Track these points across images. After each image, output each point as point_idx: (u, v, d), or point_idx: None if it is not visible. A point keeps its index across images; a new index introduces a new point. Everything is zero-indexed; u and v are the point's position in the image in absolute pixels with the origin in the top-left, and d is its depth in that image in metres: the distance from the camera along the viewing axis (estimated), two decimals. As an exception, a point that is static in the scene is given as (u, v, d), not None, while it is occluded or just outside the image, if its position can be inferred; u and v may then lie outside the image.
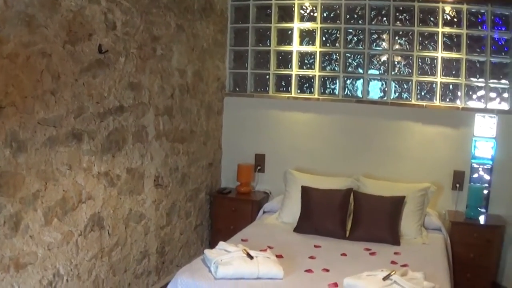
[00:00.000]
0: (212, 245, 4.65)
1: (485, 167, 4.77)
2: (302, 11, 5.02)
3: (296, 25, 5.02)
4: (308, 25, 5.01)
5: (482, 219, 4.58)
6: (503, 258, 4.62)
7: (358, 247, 3.95)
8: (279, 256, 3.47)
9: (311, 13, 4.98)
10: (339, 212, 4.31)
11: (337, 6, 4.91)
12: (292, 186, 4.69)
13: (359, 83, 5.02)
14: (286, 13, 5.10)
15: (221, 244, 3.48)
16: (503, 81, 4.74)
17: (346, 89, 5.05)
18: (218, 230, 5.02)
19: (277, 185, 5.07)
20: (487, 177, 4.77)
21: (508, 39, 4.72)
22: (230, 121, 5.36)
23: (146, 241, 4.06)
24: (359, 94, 5.03)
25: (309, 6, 4.99)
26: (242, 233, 4.17)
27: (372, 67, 4.99)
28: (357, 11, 4.90)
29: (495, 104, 4.75)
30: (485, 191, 4.72)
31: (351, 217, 4.38)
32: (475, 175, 4.79)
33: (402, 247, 4.01)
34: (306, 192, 4.46)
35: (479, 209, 4.61)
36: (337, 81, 5.00)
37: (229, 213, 4.99)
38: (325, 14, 4.96)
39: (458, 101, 4.81)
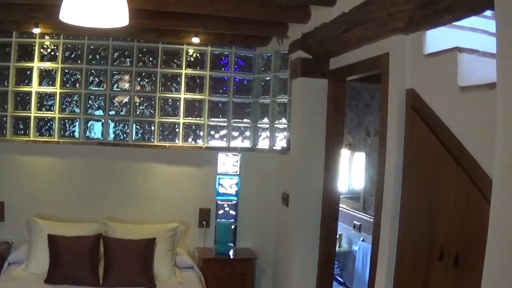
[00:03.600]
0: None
1: (231, 203, 6.24)
2: (42, 50, 5.84)
3: (36, 65, 5.82)
4: (48, 65, 5.85)
5: (231, 253, 5.96)
6: (257, 289, 6.03)
7: (113, 294, 4.83)
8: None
9: (52, 53, 5.86)
10: (89, 259, 5.10)
11: (80, 46, 5.89)
12: (37, 234, 5.25)
13: (100, 125, 5.98)
14: (26, 52, 5.82)
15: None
16: (245, 120, 6.28)
17: (87, 131, 5.96)
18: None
19: (19, 234, 5.56)
20: (233, 212, 6.23)
21: (251, 80, 6.32)
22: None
23: None
24: (100, 136, 5.98)
25: (50, 45, 5.85)
26: (-13, 291, 4.65)
27: (113, 108, 6.02)
28: (99, 51, 5.95)
29: (238, 142, 6.27)
30: (232, 226, 6.17)
31: (103, 263, 5.19)
32: (221, 212, 6.21)
33: (159, 289, 5.05)
34: (53, 240, 5.10)
35: (228, 244, 5.99)
36: (78, 123, 5.91)
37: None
38: (66, 54, 5.89)
39: (200, 141, 6.18)
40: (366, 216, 7.32)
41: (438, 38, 3.37)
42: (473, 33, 3.49)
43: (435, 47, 3.33)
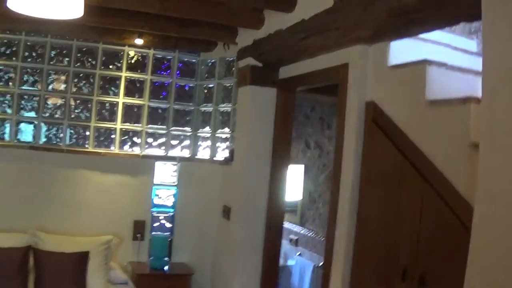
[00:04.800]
0: None
1: (167, 215, 6.02)
2: (-25, 45, 5.43)
3: (-32, 61, 5.39)
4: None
5: (167, 268, 5.74)
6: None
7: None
8: None
9: (-14, 48, 5.45)
10: (18, 273, 4.82)
11: (16, 42, 5.56)
12: (-39, 245, 4.89)
13: (32, 127, 5.67)
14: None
15: None
16: (185, 128, 6.13)
17: (19, 133, 5.65)
18: None
19: None
20: (169, 225, 6.01)
21: (193, 87, 6.18)
22: None
23: None
24: (32, 139, 5.65)
25: (-16, 40, 5.45)
26: None
27: (47, 110, 5.71)
28: (36, 48, 5.64)
29: (177, 151, 6.10)
30: (168, 240, 5.94)
31: (33, 277, 4.91)
32: (156, 224, 5.98)
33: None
34: (-21, 252, 4.76)
35: (164, 258, 5.77)
36: (8, 124, 5.56)
37: None
38: (1, 50, 5.53)
39: (138, 149, 5.96)
40: (304, 230, 7.26)
41: (400, 50, 3.34)
42: (436, 46, 3.50)
43: (397, 59, 3.29)
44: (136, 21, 5.01)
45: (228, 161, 5.57)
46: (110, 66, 5.94)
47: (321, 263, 6.58)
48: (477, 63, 3.52)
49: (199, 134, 6.20)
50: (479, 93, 2.95)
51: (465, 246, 2.44)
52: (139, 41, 5.56)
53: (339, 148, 3.66)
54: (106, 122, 5.91)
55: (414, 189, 2.93)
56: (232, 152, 5.50)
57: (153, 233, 5.98)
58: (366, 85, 3.50)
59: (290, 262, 7.32)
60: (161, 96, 6.14)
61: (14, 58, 5.63)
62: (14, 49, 5.64)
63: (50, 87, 5.77)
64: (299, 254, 7.16)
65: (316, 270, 6.71)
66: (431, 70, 2.95)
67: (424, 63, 2.96)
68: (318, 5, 3.70)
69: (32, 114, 5.72)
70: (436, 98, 2.88)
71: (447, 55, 3.47)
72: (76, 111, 5.85)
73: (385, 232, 3.18)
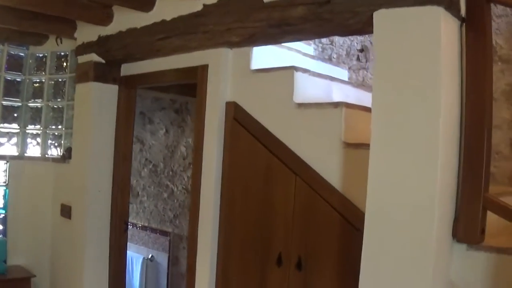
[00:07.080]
0: None
1: None
2: None
3: None
4: None
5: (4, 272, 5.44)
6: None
7: None
8: None
9: None
10: None
11: None
12: None
13: None
14: None
15: None
16: (14, 125, 5.92)
17: None
18: None
19: None
20: (1, 227, 5.76)
21: (20, 82, 5.98)
22: None
23: None
24: None
25: None
26: None
27: None
28: None
29: (6, 149, 5.90)
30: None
31: None
32: None
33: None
34: None
35: (3, 263, 5.50)
36: None
37: None
38: None
39: None
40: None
41: (260, 55, 3.60)
42: (288, 51, 3.81)
43: (258, 63, 3.55)
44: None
45: (65, 158, 5.51)
46: None
47: (150, 255, 6.76)
48: (318, 67, 3.94)
49: (28, 131, 6.02)
50: (336, 96, 3.36)
51: (339, 231, 2.82)
52: (-30, 35, 5.27)
53: (199, 145, 3.83)
54: None
55: (284, 181, 3.23)
56: (69, 150, 5.44)
57: (-13, 236, 5.66)
58: (226, 86, 3.70)
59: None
60: (-13, 92, 5.83)
61: None
62: None
63: None
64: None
65: (146, 262, 6.83)
66: (297, 76, 3.24)
67: (292, 69, 3.25)
68: (182, 7, 3.83)
69: None
70: (302, 101, 3.18)
71: (298, 60, 3.80)
72: None
73: (254, 221, 3.44)
